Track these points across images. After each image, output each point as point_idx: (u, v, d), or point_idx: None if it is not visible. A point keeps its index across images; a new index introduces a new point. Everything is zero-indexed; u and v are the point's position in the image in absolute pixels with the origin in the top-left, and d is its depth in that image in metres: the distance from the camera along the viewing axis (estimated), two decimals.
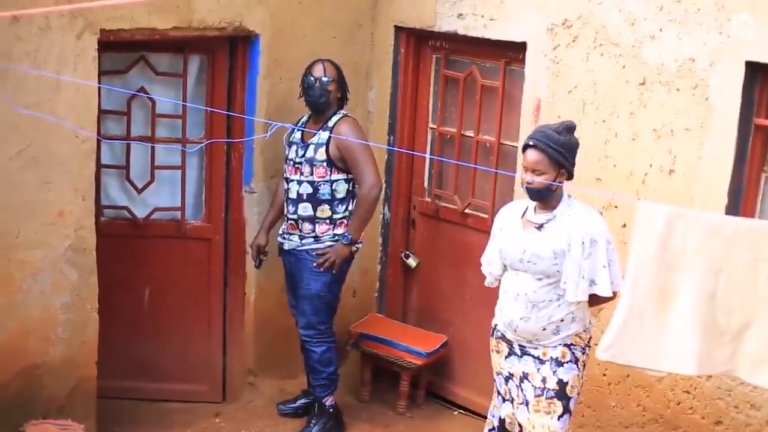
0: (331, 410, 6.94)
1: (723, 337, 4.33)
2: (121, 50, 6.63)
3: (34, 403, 6.19)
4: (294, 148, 6.71)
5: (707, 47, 5.58)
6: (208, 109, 6.89)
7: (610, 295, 5.14)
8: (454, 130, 7.20)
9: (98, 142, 6.31)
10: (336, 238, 6.67)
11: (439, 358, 7.37)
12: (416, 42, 7.37)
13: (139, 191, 7.00)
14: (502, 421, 5.64)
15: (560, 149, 5.12)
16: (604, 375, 6.29)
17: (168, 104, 6.86)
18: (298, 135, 6.73)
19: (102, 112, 6.44)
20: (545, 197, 5.24)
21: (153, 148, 6.91)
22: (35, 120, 5.76)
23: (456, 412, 7.44)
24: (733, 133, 5.54)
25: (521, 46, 6.53)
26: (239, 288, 7.29)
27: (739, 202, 5.65)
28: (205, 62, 7.01)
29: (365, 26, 7.44)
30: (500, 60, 6.83)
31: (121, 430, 6.80)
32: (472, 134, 7.08)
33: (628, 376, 6.16)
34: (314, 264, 6.67)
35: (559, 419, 5.30)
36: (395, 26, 7.35)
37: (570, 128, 5.21)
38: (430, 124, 7.43)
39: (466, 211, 7.22)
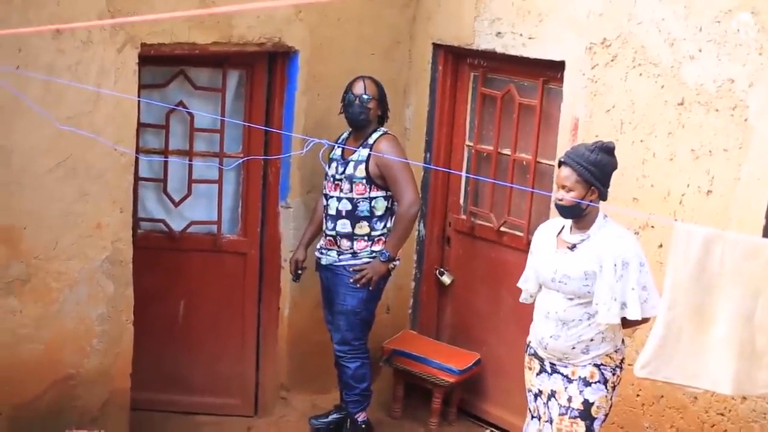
0: (363, 426, 6.94)
1: (762, 359, 4.30)
2: (160, 64, 6.68)
3: (67, 414, 6.23)
4: (334, 164, 6.73)
5: (747, 68, 5.56)
6: (246, 124, 6.92)
7: (638, 318, 5.11)
8: (491, 148, 7.19)
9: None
10: (374, 254, 6.68)
11: (471, 375, 7.36)
12: (454, 60, 7.38)
13: (176, 204, 7.04)
14: None
15: (589, 167, 5.12)
16: (638, 396, 6.25)
17: (206, 118, 6.90)
18: (338, 152, 6.75)
19: (141, 126, 6.48)
20: (576, 215, 5.25)
21: (190, 162, 6.94)
22: (74, 132, 5.80)
23: (488, 431, 7.41)
24: None
25: (559, 65, 6.52)
26: (273, 302, 7.31)
27: None
28: (243, 77, 7.05)
29: (403, 43, 7.45)
30: (538, 79, 6.83)
31: None
32: (509, 152, 7.07)
33: (662, 397, 6.13)
34: (351, 280, 6.68)
35: None
36: (433, 44, 7.36)
37: (605, 148, 5.19)
38: (467, 142, 7.43)
39: (502, 229, 7.21)
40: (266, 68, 7.03)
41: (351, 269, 6.69)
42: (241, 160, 6.93)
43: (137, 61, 6.12)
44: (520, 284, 5.65)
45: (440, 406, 7.35)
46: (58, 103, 5.86)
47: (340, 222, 6.67)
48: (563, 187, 5.20)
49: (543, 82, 6.80)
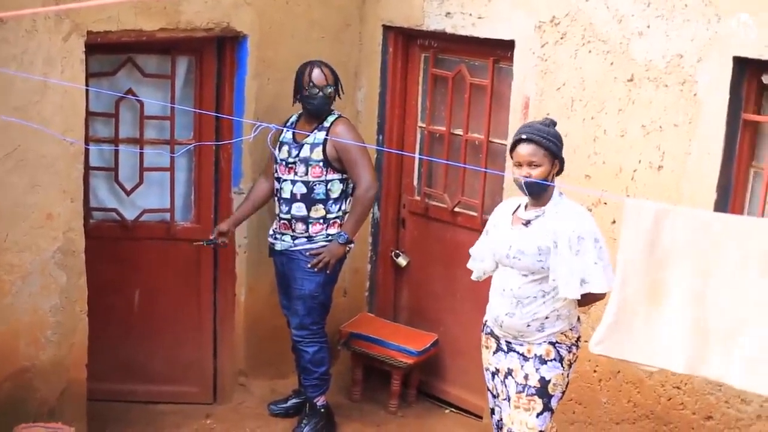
0: (322, 410, 6.94)
1: (715, 337, 4.31)
2: (108, 52, 6.62)
3: (24, 407, 6.17)
4: (285, 148, 6.70)
5: (695, 43, 5.59)
6: (197, 110, 6.88)
7: (605, 291, 5.12)
8: (444, 128, 7.20)
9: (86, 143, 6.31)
10: (329, 238, 6.67)
11: (429, 356, 7.37)
12: (404, 41, 7.37)
13: (128, 193, 6.98)
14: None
15: (552, 139, 5.17)
16: (595, 371, 6.29)
17: (156, 106, 6.85)
18: (288, 135, 6.71)
19: (90, 114, 6.43)
20: (543, 190, 5.26)
21: (141, 150, 6.89)
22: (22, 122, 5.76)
23: (447, 411, 7.44)
24: (721, 128, 5.55)
25: (509, 44, 6.53)
26: (229, 289, 7.28)
27: (728, 198, 5.66)
28: (192, 63, 6.99)
29: (353, 26, 7.43)
30: (488, 58, 6.83)
31: None
32: (461, 133, 7.08)
33: (618, 372, 6.17)
34: (309, 265, 6.67)
35: (538, 416, 5.32)
36: (383, 25, 7.34)
37: (554, 123, 5.29)
38: (420, 123, 7.43)
39: (456, 209, 7.22)
40: (215, 54, 6.97)
41: (308, 254, 6.68)
42: (191, 146, 6.90)
43: (84, 49, 6.04)
44: (471, 263, 5.66)
45: (399, 388, 7.37)
46: (5, 93, 5.78)
47: (295, 205, 6.65)
48: (530, 164, 5.19)
49: (493, 62, 6.81)
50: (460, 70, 7.04)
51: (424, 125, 7.38)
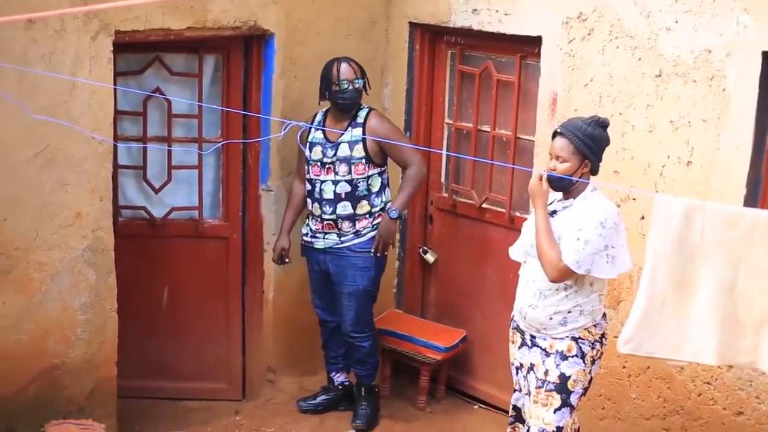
0: (376, 389, 7.13)
1: (745, 328, 4.30)
2: (136, 51, 6.65)
3: (54, 404, 6.22)
4: (318, 148, 6.70)
5: (723, 38, 5.56)
6: (224, 108, 6.90)
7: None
8: (471, 125, 7.19)
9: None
10: (376, 226, 6.75)
11: (458, 353, 7.36)
12: (431, 38, 7.36)
13: (157, 191, 7.01)
14: (518, 410, 5.65)
15: (585, 139, 5.14)
16: (624, 367, 6.28)
17: (184, 104, 6.87)
18: (319, 134, 6.72)
19: (118, 113, 6.45)
20: (565, 187, 5.24)
21: (169, 148, 6.91)
22: (51, 121, 5.77)
23: (476, 407, 7.44)
24: (750, 123, 5.52)
25: (536, 40, 6.51)
26: (258, 286, 7.30)
27: (757, 193, 5.63)
28: (220, 62, 7.01)
29: (379, 23, 7.43)
30: (515, 54, 6.82)
31: (142, 429, 6.82)
32: (488, 129, 7.07)
33: (648, 368, 6.15)
34: (372, 249, 6.74)
35: (555, 412, 5.32)
36: (410, 23, 7.34)
37: (600, 123, 5.22)
38: (446, 120, 7.42)
39: (484, 205, 7.21)
40: (242, 52, 6.99)
41: (357, 249, 6.74)
42: (219, 145, 6.92)
43: (112, 48, 6.08)
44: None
45: (428, 384, 7.36)
46: (33, 93, 5.82)
47: (340, 205, 6.67)
48: (557, 157, 5.20)
49: (520, 58, 6.79)
50: (486, 67, 7.03)
51: (451, 122, 7.37)
